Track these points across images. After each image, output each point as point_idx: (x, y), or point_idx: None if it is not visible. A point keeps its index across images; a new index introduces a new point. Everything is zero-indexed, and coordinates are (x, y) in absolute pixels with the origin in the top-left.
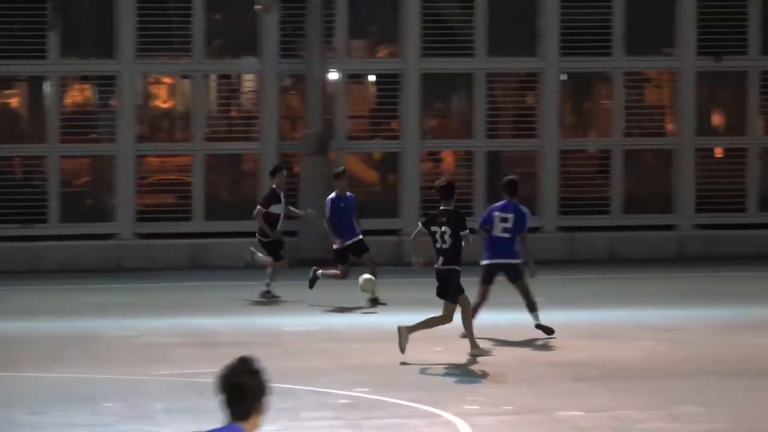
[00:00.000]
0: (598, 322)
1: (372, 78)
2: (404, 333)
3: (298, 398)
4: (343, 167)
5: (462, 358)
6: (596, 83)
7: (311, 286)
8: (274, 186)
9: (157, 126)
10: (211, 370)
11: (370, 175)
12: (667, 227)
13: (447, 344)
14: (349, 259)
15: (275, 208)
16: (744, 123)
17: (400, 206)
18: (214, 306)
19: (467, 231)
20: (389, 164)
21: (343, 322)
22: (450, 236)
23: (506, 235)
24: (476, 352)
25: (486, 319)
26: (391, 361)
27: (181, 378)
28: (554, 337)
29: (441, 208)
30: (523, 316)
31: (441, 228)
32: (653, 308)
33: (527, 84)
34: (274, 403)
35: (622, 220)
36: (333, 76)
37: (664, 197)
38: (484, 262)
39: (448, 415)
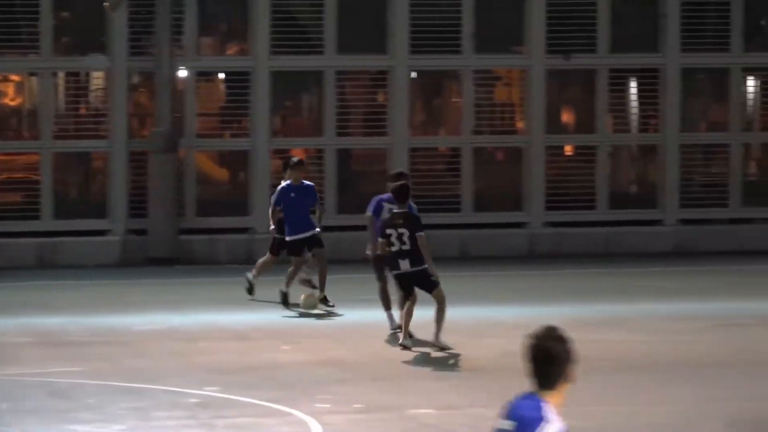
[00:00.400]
0: (449, 320)
1: (221, 76)
2: (437, 345)
3: (148, 398)
4: (298, 158)
5: (310, 356)
6: (446, 81)
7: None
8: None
9: (5, 124)
10: (60, 369)
11: (220, 173)
12: (518, 225)
13: (295, 344)
14: (280, 254)
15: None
16: (593, 121)
17: (249, 204)
18: (62, 305)
19: (423, 232)
20: (239, 162)
21: (191, 322)
22: (408, 237)
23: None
24: (406, 342)
25: (342, 318)
26: (240, 360)
27: (28, 378)
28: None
29: (395, 210)
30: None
31: (398, 230)
32: (505, 306)
33: (377, 82)
34: (124, 402)
35: (473, 218)
36: (182, 73)
37: (514, 195)
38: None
39: (299, 414)
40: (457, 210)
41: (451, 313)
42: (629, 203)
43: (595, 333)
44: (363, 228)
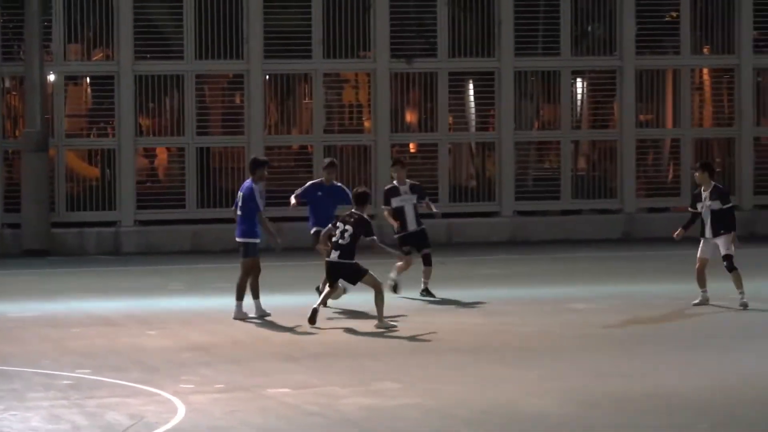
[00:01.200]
0: (299, 306)
1: (88, 79)
2: (381, 326)
3: (23, 380)
4: (330, 159)
5: (174, 341)
6: (298, 84)
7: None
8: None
9: None
10: None
11: (89, 171)
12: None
13: (160, 329)
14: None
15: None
16: (435, 120)
17: (116, 200)
18: None
19: (374, 237)
20: (106, 160)
21: (64, 309)
22: (350, 236)
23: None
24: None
25: (203, 304)
26: (109, 344)
27: None
28: (269, 314)
29: (353, 210)
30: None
31: (345, 226)
32: (351, 293)
33: (234, 85)
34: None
35: None
36: (51, 78)
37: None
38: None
39: (165, 394)
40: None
41: (294, 299)
42: (469, 196)
43: (435, 317)
44: (225, 221)
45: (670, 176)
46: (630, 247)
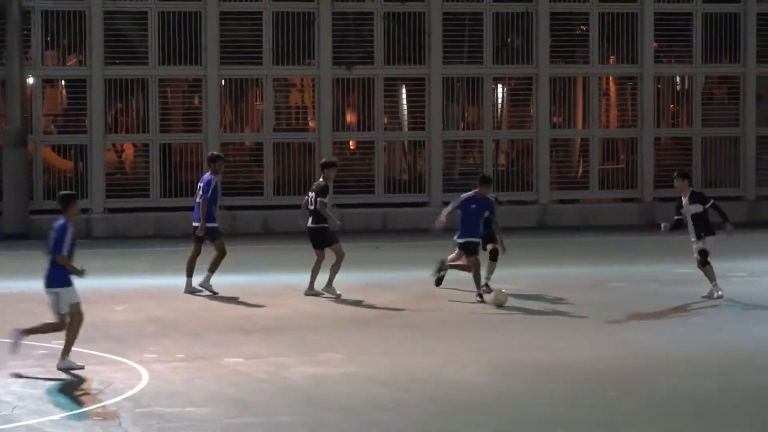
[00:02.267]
0: (253, 284)
1: (63, 82)
2: (327, 291)
3: (3, 350)
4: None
5: (139, 315)
6: (250, 87)
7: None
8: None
9: None
10: None
11: (63, 164)
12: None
13: (127, 305)
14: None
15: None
16: (372, 121)
17: (88, 189)
18: None
19: (323, 199)
20: (79, 154)
21: (41, 286)
22: (313, 201)
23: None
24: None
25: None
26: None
27: None
28: (217, 293)
29: (319, 180)
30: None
31: (310, 194)
32: (296, 273)
33: (193, 88)
34: None
35: (274, 200)
36: (30, 80)
37: (307, 182)
38: (210, 225)
39: (130, 363)
40: (261, 194)
41: (255, 279)
42: (402, 188)
43: (373, 295)
44: (185, 209)
45: (580, 172)
46: (544, 234)
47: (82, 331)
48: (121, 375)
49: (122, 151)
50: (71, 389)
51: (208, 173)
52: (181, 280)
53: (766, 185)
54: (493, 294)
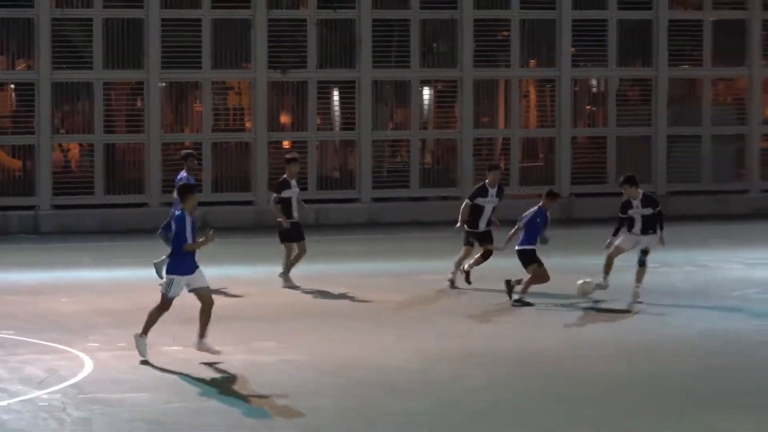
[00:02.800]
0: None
1: (12, 86)
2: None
3: None
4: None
5: (85, 307)
6: (190, 90)
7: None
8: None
9: None
10: None
11: (12, 163)
12: (248, 203)
13: (74, 297)
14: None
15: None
16: (306, 121)
17: (36, 187)
18: None
19: (277, 195)
20: (27, 154)
21: None
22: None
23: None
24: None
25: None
26: (30, 310)
27: None
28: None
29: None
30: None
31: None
32: (239, 266)
33: (136, 91)
34: None
35: (212, 197)
36: None
37: (244, 179)
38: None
39: (75, 351)
40: (200, 191)
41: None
42: (333, 185)
43: (311, 286)
44: (128, 206)
45: (502, 168)
46: None
47: (30, 323)
48: (66, 363)
49: (68, 150)
50: (18, 377)
51: (183, 171)
52: (124, 273)
53: (675, 181)
54: (580, 283)
